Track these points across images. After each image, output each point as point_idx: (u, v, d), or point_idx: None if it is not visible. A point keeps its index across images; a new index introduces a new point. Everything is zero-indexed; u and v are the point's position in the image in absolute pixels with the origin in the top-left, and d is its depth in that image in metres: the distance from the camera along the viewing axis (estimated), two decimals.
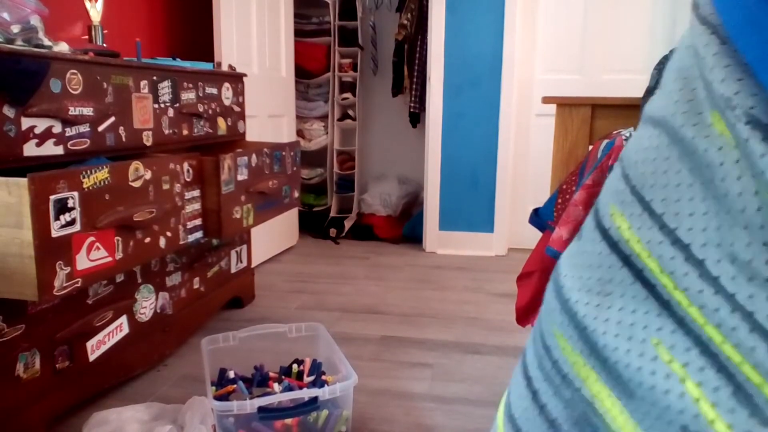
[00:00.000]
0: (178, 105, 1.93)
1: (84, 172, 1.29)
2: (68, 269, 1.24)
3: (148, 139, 1.78)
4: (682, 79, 0.26)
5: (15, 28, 1.44)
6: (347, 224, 3.77)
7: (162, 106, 1.84)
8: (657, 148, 0.26)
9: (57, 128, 1.42)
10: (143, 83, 1.74)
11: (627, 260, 0.26)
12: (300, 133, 3.81)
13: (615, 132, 1.28)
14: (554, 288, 0.30)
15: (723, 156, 0.23)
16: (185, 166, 1.72)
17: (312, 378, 1.58)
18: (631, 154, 0.27)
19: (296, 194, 2.38)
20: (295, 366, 1.64)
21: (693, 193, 0.23)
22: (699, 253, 0.23)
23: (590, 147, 1.43)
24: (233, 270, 2.37)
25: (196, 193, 1.78)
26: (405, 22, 3.49)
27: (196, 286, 2.09)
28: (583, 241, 0.29)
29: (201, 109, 2.06)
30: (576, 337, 0.26)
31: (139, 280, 1.77)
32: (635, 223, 0.25)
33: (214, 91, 2.15)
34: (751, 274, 0.21)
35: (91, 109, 1.52)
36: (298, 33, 3.59)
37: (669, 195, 0.24)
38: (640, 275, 0.25)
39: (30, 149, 1.35)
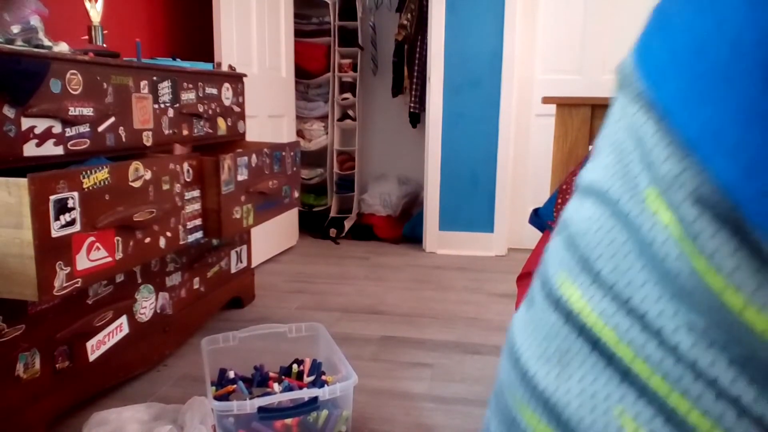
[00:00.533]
0: (178, 105, 1.93)
1: (84, 173, 1.29)
2: (68, 269, 1.24)
3: (148, 140, 1.78)
4: (616, 153, 0.26)
5: (15, 29, 1.44)
6: (347, 224, 3.77)
7: (162, 106, 1.84)
8: (598, 219, 0.26)
9: (57, 128, 1.42)
10: (143, 83, 1.74)
11: (582, 330, 0.25)
12: (300, 133, 3.81)
13: None
14: (510, 358, 0.29)
15: (659, 234, 0.23)
16: (185, 166, 1.72)
17: (312, 378, 1.58)
18: (574, 223, 0.27)
19: (296, 194, 2.38)
20: (295, 366, 1.64)
21: (642, 262, 0.23)
22: (655, 322, 0.23)
23: (590, 147, 1.43)
24: (233, 270, 2.37)
25: (196, 193, 1.78)
26: (405, 22, 3.49)
27: (196, 286, 2.09)
28: (535, 310, 0.28)
29: (201, 110, 2.06)
30: (541, 410, 0.26)
31: (139, 280, 1.77)
32: (586, 293, 0.25)
33: (214, 91, 2.15)
34: (710, 340, 0.21)
35: (91, 109, 1.52)
36: (298, 33, 3.59)
37: (618, 264, 0.24)
38: (597, 345, 0.25)
39: (30, 149, 1.35)
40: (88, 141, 1.52)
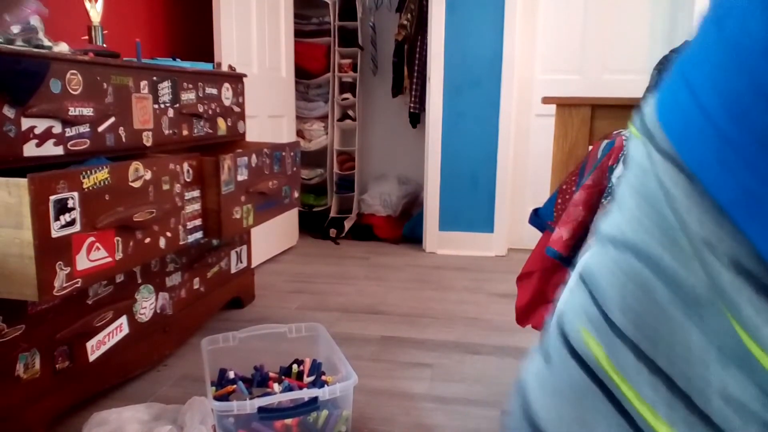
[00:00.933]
0: (178, 105, 1.93)
1: (84, 173, 1.29)
2: (68, 269, 1.24)
3: (148, 140, 1.78)
4: (647, 205, 0.25)
5: (15, 29, 1.44)
6: (347, 224, 3.77)
7: (162, 106, 1.84)
8: (629, 274, 0.25)
9: (57, 128, 1.42)
10: (143, 83, 1.74)
11: (603, 387, 0.25)
12: (300, 133, 3.81)
13: (615, 132, 1.28)
14: (524, 416, 0.28)
15: (698, 288, 0.22)
16: (185, 166, 1.72)
17: (312, 378, 1.58)
18: (599, 278, 0.26)
19: (296, 194, 2.38)
20: (295, 366, 1.64)
21: (672, 323, 0.23)
22: (684, 387, 0.22)
23: (590, 147, 1.43)
24: (233, 270, 2.37)
25: (196, 193, 1.78)
26: (405, 22, 3.49)
27: (196, 287, 2.09)
28: (554, 365, 0.27)
29: (201, 110, 2.06)
30: None
31: (139, 281, 1.77)
32: (610, 350, 0.24)
33: (214, 91, 2.15)
34: (747, 415, 0.21)
35: (91, 109, 1.52)
36: (298, 33, 3.59)
37: (644, 322, 0.23)
38: (618, 405, 0.24)
39: (30, 149, 1.35)
40: (88, 141, 1.52)
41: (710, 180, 0.22)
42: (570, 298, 0.28)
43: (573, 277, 0.29)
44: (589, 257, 0.28)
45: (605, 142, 1.22)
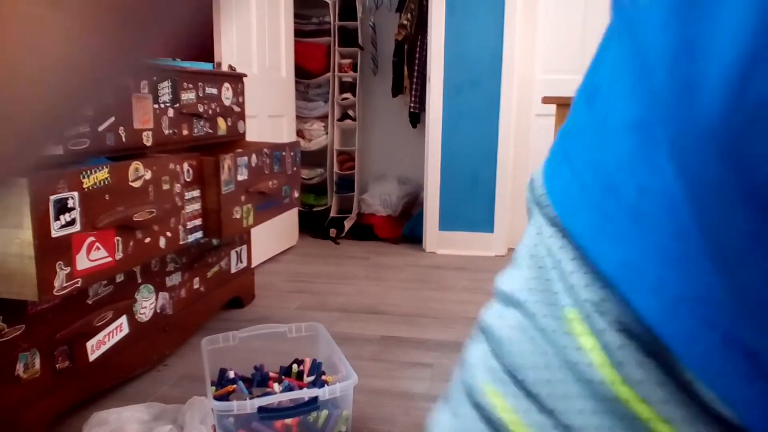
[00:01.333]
0: (178, 105, 1.93)
1: (84, 172, 1.29)
2: (68, 269, 1.24)
3: (148, 139, 1.78)
4: (537, 268, 0.26)
5: None
6: (347, 224, 3.77)
7: (162, 106, 1.84)
8: (520, 329, 0.26)
9: None
10: (143, 83, 1.74)
11: None
12: (300, 133, 3.81)
13: None
14: None
15: (584, 356, 0.23)
16: (185, 166, 1.72)
17: (312, 378, 1.58)
18: (497, 331, 0.27)
19: (296, 194, 2.38)
20: (295, 366, 1.64)
21: (563, 375, 0.24)
22: None
23: None
24: (233, 270, 2.36)
25: (196, 193, 1.78)
26: (405, 22, 3.49)
27: (196, 286, 2.09)
28: (459, 419, 0.28)
29: (201, 110, 2.06)
30: None
31: (139, 280, 1.77)
32: (512, 403, 0.25)
33: (214, 91, 2.15)
34: None
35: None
36: (298, 33, 3.59)
37: (540, 376, 0.24)
38: None
39: None
40: (87, 141, 1.52)
41: (592, 250, 0.23)
42: (472, 350, 0.29)
43: (474, 329, 0.31)
44: (488, 311, 0.30)
45: None
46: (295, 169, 2.35)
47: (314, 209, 3.93)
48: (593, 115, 0.25)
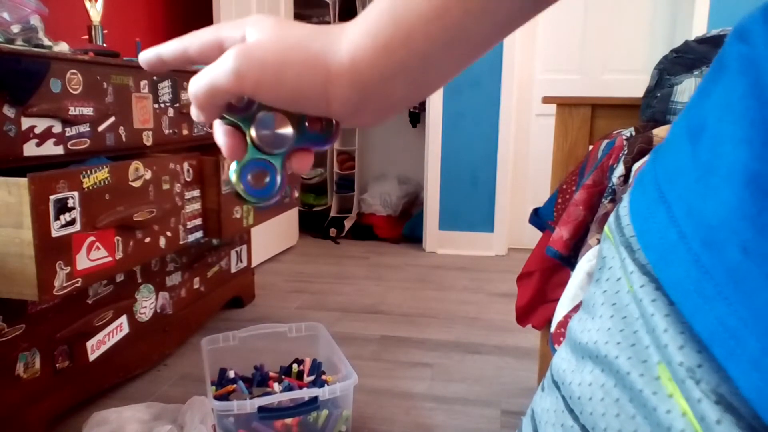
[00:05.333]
0: (178, 105, 1.93)
1: (84, 172, 1.29)
2: (68, 269, 1.24)
3: (148, 139, 1.78)
4: (620, 318, 0.24)
5: (15, 28, 1.44)
6: (347, 224, 3.77)
7: (162, 106, 1.84)
8: (603, 388, 0.24)
9: (57, 128, 1.42)
10: (143, 83, 1.74)
11: None
12: None
13: (615, 132, 1.28)
14: None
15: (677, 421, 0.21)
16: (185, 166, 1.72)
17: (312, 378, 1.58)
18: (573, 388, 0.25)
19: (296, 194, 2.38)
20: (295, 366, 1.64)
21: None
22: None
23: (590, 147, 1.43)
24: (233, 270, 2.36)
25: (196, 193, 1.78)
26: None
27: (196, 286, 2.09)
28: None
29: None
30: None
31: (139, 280, 1.77)
32: None
33: None
34: None
35: (91, 108, 1.52)
36: None
37: None
38: None
39: (30, 149, 1.35)
40: (88, 141, 1.52)
41: (689, 308, 0.21)
42: (545, 400, 0.27)
43: (547, 378, 0.28)
44: (560, 361, 0.27)
45: (605, 141, 1.22)
46: None
47: (314, 209, 3.93)
48: (698, 156, 0.22)
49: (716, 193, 0.21)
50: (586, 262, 0.98)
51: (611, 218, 0.27)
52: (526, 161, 3.44)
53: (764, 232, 0.19)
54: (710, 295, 0.20)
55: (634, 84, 3.04)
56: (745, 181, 0.20)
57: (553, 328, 1.03)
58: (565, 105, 1.56)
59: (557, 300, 1.04)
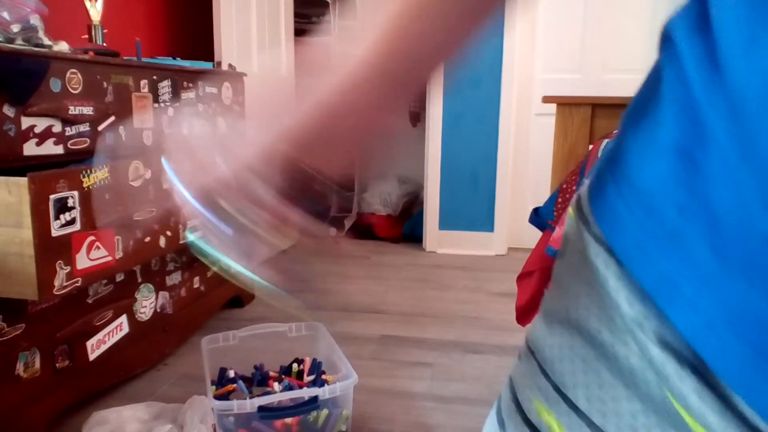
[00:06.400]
0: (178, 104, 1.93)
1: (84, 172, 1.29)
2: (68, 268, 1.24)
3: (148, 139, 1.78)
4: (584, 284, 0.27)
5: (15, 28, 1.44)
6: (347, 223, 3.77)
7: (162, 105, 1.84)
8: (571, 349, 0.27)
9: (57, 127, 1.42)
10: (143, 83, 1.74)
11: None
12: None
13: (615, 132, 1.28)
14: None
15: (636, 364, 0.24)
16: None
17: (312, 377, 1.58)
18: (545, 351, 0.28)
19: None
20: (295, 365, 1.64)
21: (616, 392, 0.25)
22: None
23: (590, 147, 1.43)
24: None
25: None
26: None
27: (196, 286, 2.09)
28: None
29: (201, 109, 2.06)
30: None
31: (139, 280, 1.77)
32: (564, 420, 0.26)
33: (214, 90, 2.15)
34: None
35: (91, 108, 1.52)
36: (298, 33, 3.59)
37: (592, 394, 0.25)
38: None
39: (30, 149, 1.35)
40: (88, 140, 1.52)
41: (634, 265, 0.24)
42: (521, 367, 0.30)
43: (523, 348, 0.31)
44: (535, 330, 0.30)
45: (605, 141, 1.22)
46: None
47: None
48: (638, 138, 0.26)
49: (653, 165, 0.24)
50: None
51: (574, 199, 0.31)
52: (526, 161, 3.44)
53: (695, 195, 0.22)
54: (652, 253, 0.23)
55: (634, 84, 3.02)
56: (677, 153, 0.23)
57: None
58: (565, 105, 1.56)
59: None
